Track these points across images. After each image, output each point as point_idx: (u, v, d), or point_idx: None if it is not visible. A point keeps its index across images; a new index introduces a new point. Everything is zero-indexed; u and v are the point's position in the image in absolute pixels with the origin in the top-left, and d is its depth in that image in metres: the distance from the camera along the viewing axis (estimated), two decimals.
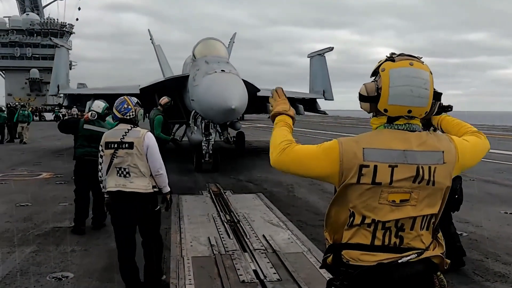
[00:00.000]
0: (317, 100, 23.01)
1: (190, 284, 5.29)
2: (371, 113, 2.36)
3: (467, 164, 2.38)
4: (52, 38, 34.47)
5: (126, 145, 4.86)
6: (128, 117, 5.03)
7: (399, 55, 2.29)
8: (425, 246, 2.26)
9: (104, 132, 7.65)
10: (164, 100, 11.10)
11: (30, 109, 61.59)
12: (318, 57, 24.06)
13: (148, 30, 31.63)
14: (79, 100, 21.80)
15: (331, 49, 23.86)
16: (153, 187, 5.02)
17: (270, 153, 2.39)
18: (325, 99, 23.09)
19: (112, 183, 4.95)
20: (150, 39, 30.99)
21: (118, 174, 4.92)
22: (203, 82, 12.75)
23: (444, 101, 2.42)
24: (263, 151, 20.02)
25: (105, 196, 5.21)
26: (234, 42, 27.48)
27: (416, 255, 2.21)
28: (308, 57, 25.14)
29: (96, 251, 6.48)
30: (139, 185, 4.89)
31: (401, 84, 2.18)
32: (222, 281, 5.37)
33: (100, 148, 5.08)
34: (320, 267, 2.58)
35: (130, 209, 4.92)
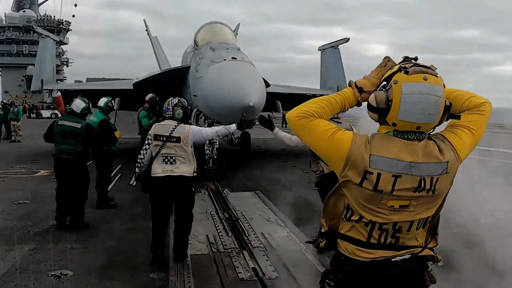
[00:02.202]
0: None
1: (189, 282, 5.32)
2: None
3: (468, 153, 2.33)
4: (33, 26, 30.65)
5: (174, 139, 5.80)
6: (167, 116, 5.97)
7: (414, 64, 2.19)
8: (419, 244, 2.31)
9: (75, 127, 7.50)
10: (148, 96, 11.16)
11: (27, 106, 61.33)
12: (331, 49, 21.79)
13: (144, 20, 30.03)
14: (66, 97, 19.18)
15: (346, 40, 21.28)
16: (194, 172, 5.91)
17: (294, 108, 2.38)
18: None
19: (159, 169, 5.82)
20: (146, 30, 29.56)
21: (165, 162, 5.80)
22: (209, 72, 10.32)
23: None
24: (260, 148, 20.03)
25: (136, 171, 6.27)
26: (237, 33, 23.40)
27: (410, 255, 2.26)
28: (319, 50, 22.93)
29: (95, 249, 6.48)
30: (185, 170, 5.82)
31: (413, 101, 2.11)
32: (221, 279, 5.39)
33: (148, 137, 6.00)
34: (315, 248, 2.59)
35: (176, 190, 5.82)
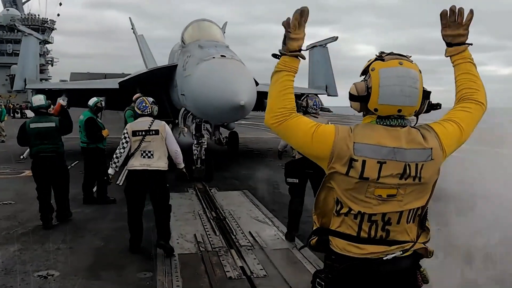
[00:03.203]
0: (319, 96, 21.08)
1: (177, 281, 5.31)
2: (361, 112, 2.36)
3: (454, 149, 2.37)
4: (16, 24, 29.72)
5: (153, 132, 6.21)
6: (146, 113, 6.36)
7: (389, 54, 2.28)
8: (410, 238, 2.30)
9: (51, 126, 7.56)
10: (135, 96, 11.16)
11: (11, 106, 60.54)
12: (319, 48, 21.44)
13: (130, 18, 29.76)
14: (50, 96, 19.45)
15: (335, 39, 21.07)
16: (167, 166, 6.30)
17: (266, 112, 2.37)
18: (328, 95, 21.10)
19: (136, 163, 6.15)
20: (132, 28, 29.31)
21: (142, 156, 6.14)
22: (198, 70, 9.89)
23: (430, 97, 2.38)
24: (248, 148, 20.03)
25: (109, 172, 6.41)
26: (225, 32, 24.11)
27: (401, 252, 2.25)
28: (307, 48, 22.13)
29: (81, 249, 6.44)
30: (160, 164, 6.18)
31: (391, 84, 2.18)
32: (209, 277, 5.39)
33: (125, 136, 6.24)
34: (306, 246, 2.57)
35: (151, 183, 6.15)
